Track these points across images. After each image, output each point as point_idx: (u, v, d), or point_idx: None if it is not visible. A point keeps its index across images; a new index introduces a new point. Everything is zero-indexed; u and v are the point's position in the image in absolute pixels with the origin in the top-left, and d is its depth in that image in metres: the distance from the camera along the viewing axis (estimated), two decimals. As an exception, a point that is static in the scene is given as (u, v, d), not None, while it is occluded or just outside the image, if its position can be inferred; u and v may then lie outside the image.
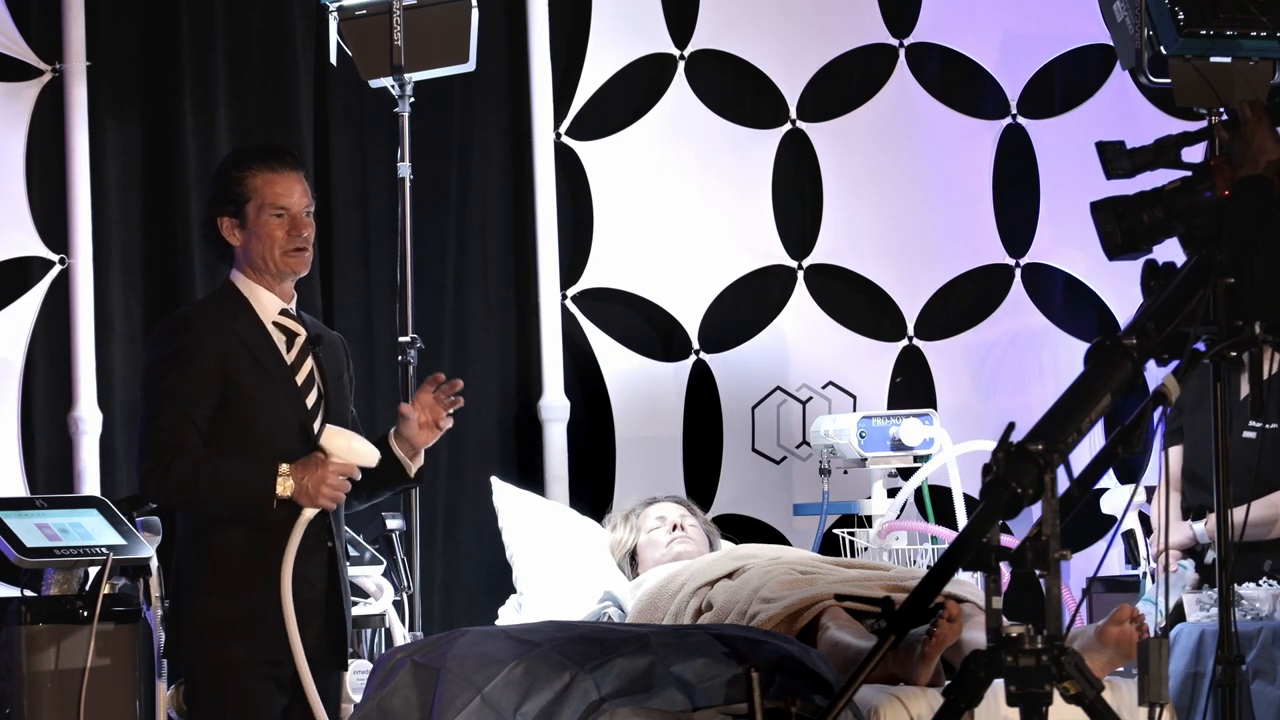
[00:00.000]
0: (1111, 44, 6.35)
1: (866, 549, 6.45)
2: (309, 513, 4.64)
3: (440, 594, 6.84)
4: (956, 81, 7.58)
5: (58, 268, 6.44)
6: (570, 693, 4.40)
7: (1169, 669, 3.74)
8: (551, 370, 7.02)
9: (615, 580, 6.11)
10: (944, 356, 7.49)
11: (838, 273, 7.43)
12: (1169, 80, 5.92)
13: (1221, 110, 5.76)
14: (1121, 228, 4.30)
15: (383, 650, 5.75)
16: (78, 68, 6.43)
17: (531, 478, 6.92)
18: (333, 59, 6.30)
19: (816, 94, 7.42)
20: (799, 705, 3.84)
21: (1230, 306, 3.95)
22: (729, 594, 5.47)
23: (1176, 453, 5.92)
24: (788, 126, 7.40)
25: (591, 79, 7.18)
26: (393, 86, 6.19)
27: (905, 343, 7.47)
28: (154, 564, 5.27)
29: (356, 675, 5.40)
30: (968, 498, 6.61)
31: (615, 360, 7.18)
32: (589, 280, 7.17)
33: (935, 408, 7.22)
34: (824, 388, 7.33)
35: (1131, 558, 6.19)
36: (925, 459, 6.61)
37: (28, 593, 5.20)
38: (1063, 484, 3.45)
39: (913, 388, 7.42)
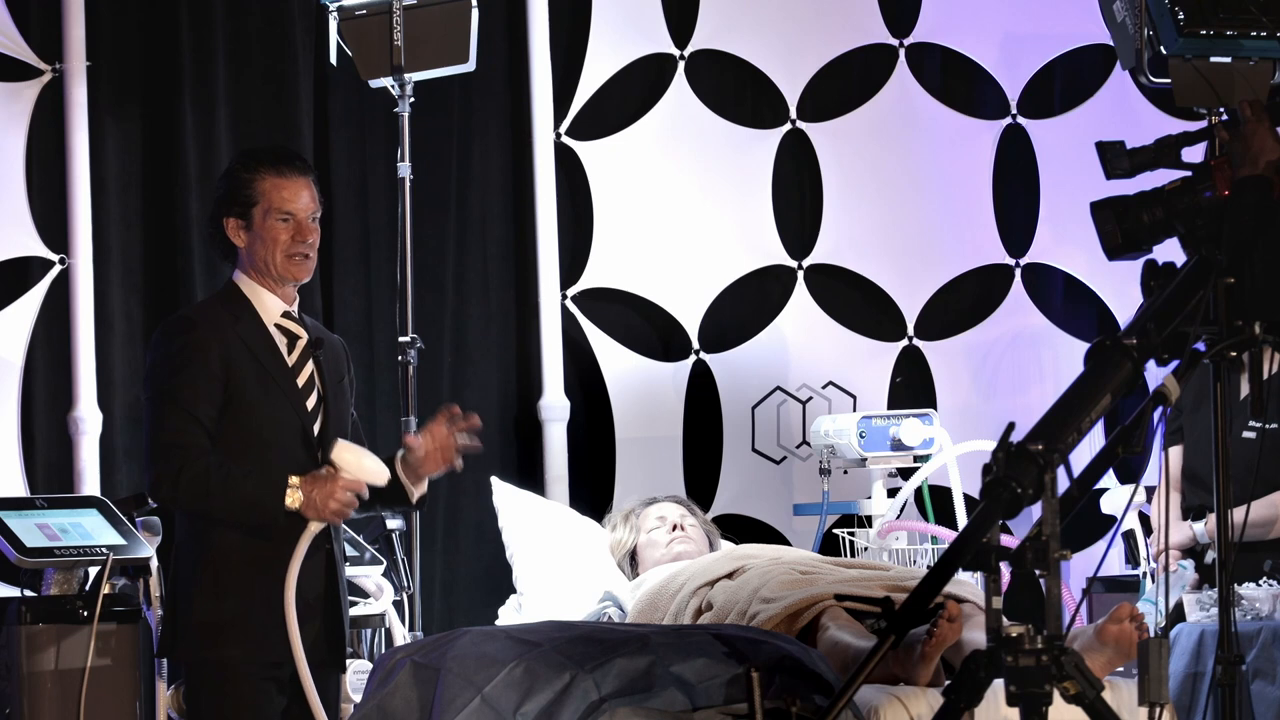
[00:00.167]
0: (1111, 44, 6.36)
1: (866, 549, 6.45)
2: (314, 526, 4.64)
3: (440, 594, 6.84)
4: (956, 81, 7.58)
5: (58, 268, 6.44)
6: (570, 693, 4.40)
7: (1169, 669, 3.74)
8: (551, 370, 7.02)
9: (615, 580, 6.11)
10: (944, 356, 7.49)
11: (838, 273, 7.43)
12: (1169, 80, 5.93)
13: (1221, 110, 5.76)
14: (1121, 228, 4.30)
15: (383, 650, 5.75)
16: (78, 68, 6.43)
17: (531, 478, 6.92)
18: (333, 59, 6.30)
19: (816, 94, 7.42)
20: (799, 705, 3.83)
21: (1230, 306, 3.95)
22: (729, 594, 5.47)
23: (1176, 453, 5.92)
24: (788, 126, 7.41)
25: (591, 79, 7.18)
26: (393, 86, 6.19)
27: (905, 343, 7.47)
28: (154, 564, 5.27)
29: (356, 675, 5.40)
30: (968, 498, 6.61)
31: (615, 360, 7.18)
32: (589, 280, 7.17)
33: (935, 408, 7.22)
34: (824, 388, 7.33)
35: (1131, 558, 6.19)
36: (925, 459, 6.61)
37: (28, 593, 5.20)
38: (1063, 484, 3.45)
39: (911, 387, 7.42)
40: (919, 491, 6.60)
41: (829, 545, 6.67)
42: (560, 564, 6.30)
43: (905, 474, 6.66)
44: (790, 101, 7.39)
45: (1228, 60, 5.88)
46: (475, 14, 6.23)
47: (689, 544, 6.10)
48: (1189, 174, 4.31)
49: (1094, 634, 4.73)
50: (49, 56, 6.45)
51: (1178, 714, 5.24)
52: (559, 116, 7.13)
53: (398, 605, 5.93)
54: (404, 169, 6.20)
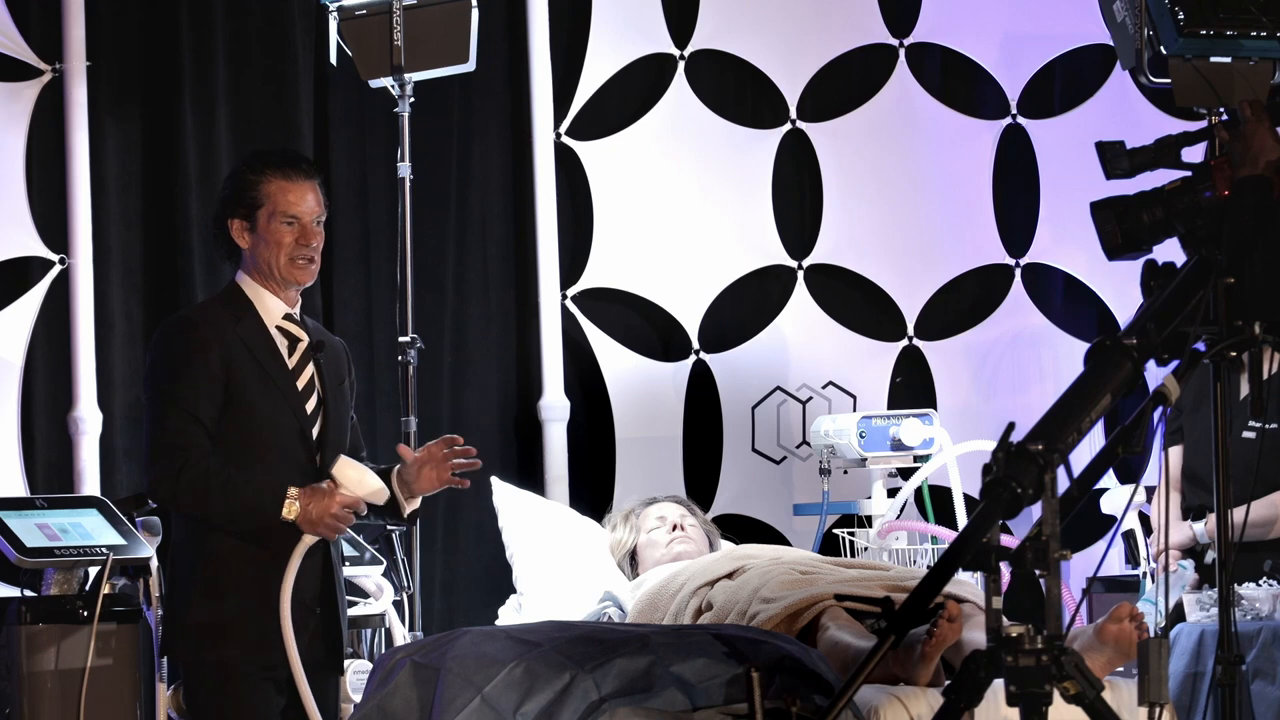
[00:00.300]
0: (1111, 44, 6.36)
1: (866, 549, 6.45)
2: (309, 539, 4.66)
3: (440, 594, 6.84)
4: (956, 81, 7.58)
5: (58, 268, 6.44)
6: (570, 693, 4.40)
7: (1169, 669, 3.74)
8: (551, 370, 7.02)
9: (615, 580, 6.11)
10: (944, 356, 7.49)
11: (838, 273, 7.43)
12: (1169, 80, 5.93)
13: (1221, 110, 5.76)
14: (1121, 228, 4.30)
15: (383, 650, 5.75)
16: (78, 68, 6.43)
17: (531, 478, 6.92)
18: (333, 59, 6.30)
19: (816, 94, 7.42)
20: (799, 705, 3.84)
21: (1230, 306, 3.95)
22: (729, 594, 5.47)
23: (1176, 453, 5.92)
24: (788, 126, 7.41)
25: (591, 79, 7.18)
26: (393, 86, 6.19)
27: (905, 343, 7.47)
28: (154, 564, 5.27)
29: (356, 675, 5.40)
30: (968, 498, 6.61)
31: (615, 360, 7.18)
32: (589, 280, 7.17)
33: (935, 408, 7.22)
34: (824, 388, 7.33)
35: (1131, 558, 6.19)
36: (925, 459, 6.61)
37: (28, 593, 5.20)
38: (1063, 484, 3.45)
39: (911, 387, 7.42)
40: (919, 491, 6.60)
41: (829, 545, 6.67)
42: (560, 564, 6.30)
43: (905, 474, 6.66)
44: (790, 101, 7.39)
45: (1228, 60, 5.88)
46: (475, 14, 6.23)
47: (689, 544, 6.10)
48: (1189, 174, 4.31)
49: (1094, 634, 4.73)
50: (49, 56, 6.45)
51: (1178, 714, 5.24)
52: (559, 116, 7.13)
53: (398, 605, 5.93)
54: (404, 169, 6.20)
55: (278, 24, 6.71)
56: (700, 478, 7.22)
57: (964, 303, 7.56)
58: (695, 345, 7.26)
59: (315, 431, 4.77)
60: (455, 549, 6.91)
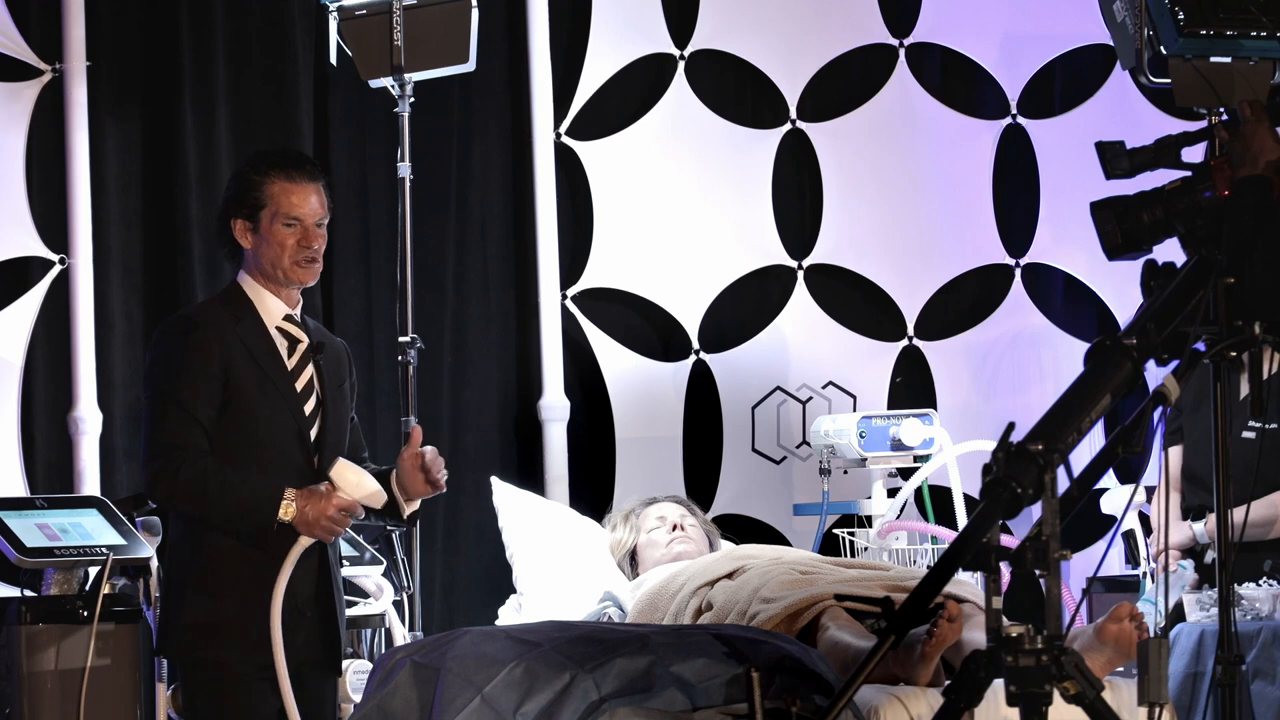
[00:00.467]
0: (1111, 44, 6.36)
1: (866, 549, 6.45)
2: (305, 541, 4.66)
3: (440, 594, 6.84)
4: (956, 81, 7.58)
5: (58, 268, 6.44)
6: (570, 693, 4.39)
7: (1169, 669, 3.74)
8: (551, 370, 7.02)
9: (615, 580, 6.11)
10: (944, 356, 7.49)
11: (838, 273, 7.43)
12: (1169, 80, 5.93)
13: (1221, 110, 5.76)
14: (1121, 228, 4.30)
15: (383, 650, 5.75)
16: (78, 68, 6.43)
17: (531, 478, 6.92)
18: (333, 59, 6.30)
19: (816, 94, 7.42)
20: (799, 705, 3.84)
21: (1230, 306, 3.95)
22: (729, 594, 5.47)
23: (1176, 453, 5.92)
24: (788, 126, 7.41)
25: (591, 79, 7.18)
26: (393, 86, 6.18)
27: (905, 343, 7.47)
28: (154, 564, 5.27)
29: (356, 675, 5.40)
30: (968, 498, 6.61)
31: (615, 360, 7.18)
32: (589, 280, 7.17)
33: (935, 408, 7.22)
34: (824, 388, 7.33)
35: (1131, 558, 6.19)
36: (925, 459, 6.61)
37: (28, 593, 5.20)
38: (1063, 484, 3.45)
39: (911, 387, 7.42)
40: (919, 491, 6.60)
41: (829, 545, 6.67)
42: (560, 564, 6.30)
43: (905, 474, 6.66)
44: (790, 101, 7.39)
45: (1228, 60, 5.88)
46: (475, 14, 6.23)
47: (689, 544, 6.09)
48: (1189, 174, 4.31)
49: (1094, 634, 4.73)
50: (49, 56, 6.45)
51: (1178, 714, 5.24)
52: (559, 116, 7.13)
53: (398, 605, 5.93)
54: (404, 169, 6.20)
55: (278, 24, 6.71)
56: (700, 478, 7.22)
57: (964, 303, 7.56)
58: (695, 345, 7.26)
59: (314, 433, 4.77)
60: (455, 549, 6.91)
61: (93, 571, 5.22)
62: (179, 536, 4.76)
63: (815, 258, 7.40)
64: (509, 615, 6.30)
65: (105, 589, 5.11)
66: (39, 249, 6.43)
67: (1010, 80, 7.58)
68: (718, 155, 7.31)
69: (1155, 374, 3.79)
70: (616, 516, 6.34)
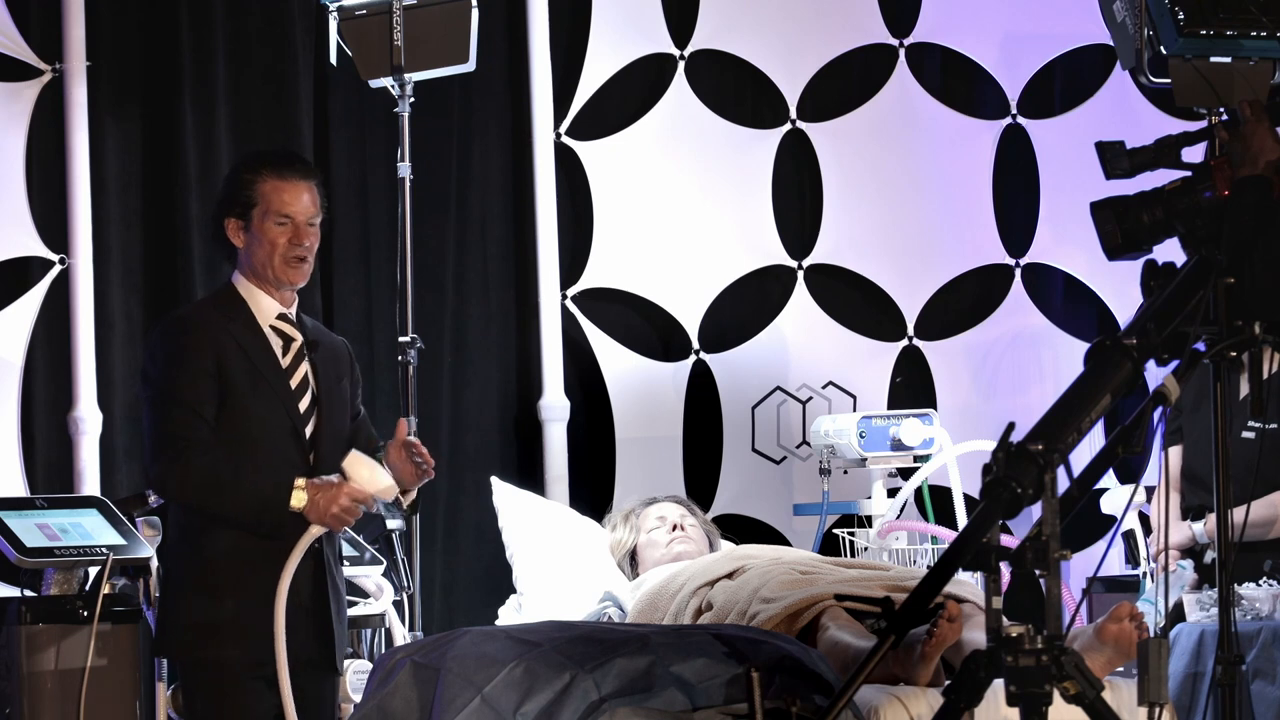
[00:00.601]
0: (1111, 44, 6.36)
1: (866, 549, 6.45)
2: (315, 530, 4.64)
3: (440, 594, 6.84)
4: (956, 81, 7.58)
5: (58, 268, 6.44)
6: (570, 693, 4.40)
7: (1169, 669, 3.74)
8: (551, 370, 7.02)
9: (615, 580, 6.11)
10: (944, 356, 7.49)
11: (838, 273, 7.43)
12: (1169, 80, 5.93)
13: (1221, 110, 5.76)
14: (1121, 228, 4.30)
15: (383, 650, 5.75)
16: (78, 68, 6.43)
17: (531, 478, 6.92)
18: (333, 59, 6.30)
19: (816, 94, 7.42)
20: (799, 705, 3.84)
21: (1230, 306, 3.95)
22: (729, 594, 5.47)
23: (1176, 453, 5.92)
24: (788, 126, 7.40)
25: (591, 79, 7.18)
26: (393, 86, 6.19)
27: (905, 343, 7.47)
28: (154, 564, 5.27)
29: (356, 675, 5.40)
30: (968, 498, 6.61)
31: (615, 360, 7.18)
32: (589, 280, 7.17)
33: (935, 408, 7.22)
34: (824, 388, 7.33)
35: (1131, 558, 6.19)
36: (925, 459, 6.61)
37: (28, 593, 5.20)
38: (1063, 484, 3.45)
39: (911, 387, 7.42)
40: (919, 491, 6.60)
41: (829, 545, 6.67)
42: (560, 564, 6.30)
43: (905, 474, 6.66)
44: (790, 101, 7.39)
45: (1228, 60, 5.88)
46: (475, 14, 6.23)
47: (689, 544, 6.10)
48: (1189, 174, 4.31)
49: (1094, 634, 4.73)
50: (49, 56, 6.45)
51: (1178, 714, 5.24)
52: (559, 116, 7.13)
53: (398, 605, 5.93)
54: (404, 169, 6.20)
55: (278, 24, 6.71)
56: (700, 478, 7.22)
57: (964, 303, 7.56)
58: (695, 345, 7.26)
59: (309, 430, 4.77)
60: (455, 549, 6.91)
61: (93, 571, 5.22)
62: (178, 536, 4.76)
63: (815, 258, 7.40)
64: (509, 615, 6.30)
65: (105, 589, 5.11)
66: (39, 249, 6.43)
67: (1010, 80, 7.58)
68: (718, 155, 7.31)
69: (1155, 374, 3.79)
70: (616, 516, 6.34)
